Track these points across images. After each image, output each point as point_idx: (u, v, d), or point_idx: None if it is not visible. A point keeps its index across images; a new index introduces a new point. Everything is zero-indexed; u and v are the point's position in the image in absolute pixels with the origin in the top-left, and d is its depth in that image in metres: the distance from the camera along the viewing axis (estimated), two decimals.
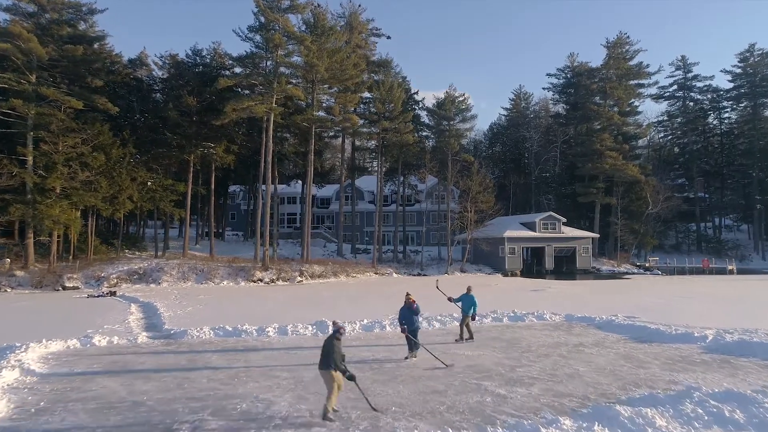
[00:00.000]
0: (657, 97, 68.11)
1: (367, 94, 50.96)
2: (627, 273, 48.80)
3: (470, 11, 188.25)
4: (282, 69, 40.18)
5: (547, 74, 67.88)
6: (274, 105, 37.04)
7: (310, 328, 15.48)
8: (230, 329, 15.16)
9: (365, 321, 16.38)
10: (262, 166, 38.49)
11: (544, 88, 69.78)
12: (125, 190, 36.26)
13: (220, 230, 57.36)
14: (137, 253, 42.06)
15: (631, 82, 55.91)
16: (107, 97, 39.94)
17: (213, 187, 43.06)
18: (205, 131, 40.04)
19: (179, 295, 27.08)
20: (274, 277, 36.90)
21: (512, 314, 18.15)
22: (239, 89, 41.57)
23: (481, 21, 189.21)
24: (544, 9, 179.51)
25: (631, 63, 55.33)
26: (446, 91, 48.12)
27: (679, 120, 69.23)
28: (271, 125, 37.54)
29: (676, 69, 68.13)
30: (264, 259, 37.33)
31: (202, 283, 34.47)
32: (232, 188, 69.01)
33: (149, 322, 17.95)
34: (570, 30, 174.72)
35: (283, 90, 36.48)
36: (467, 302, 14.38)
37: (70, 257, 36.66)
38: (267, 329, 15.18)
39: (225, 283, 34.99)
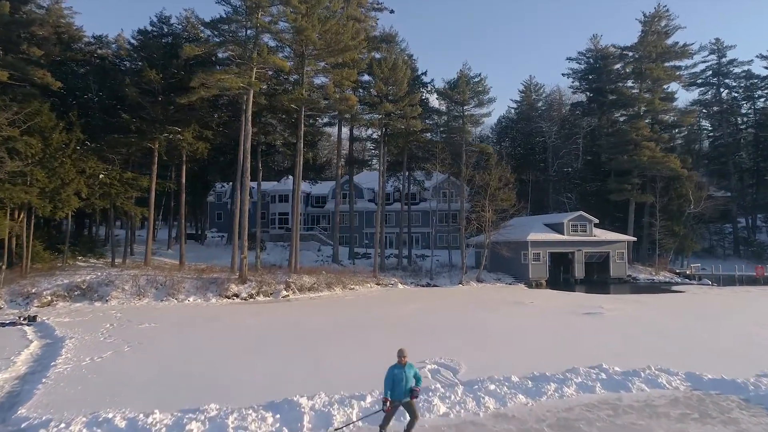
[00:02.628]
0: (689, 84, 61.19)
1: (366, 78, 44.11)
2: (670, 283, 41.96)
3: (471, 7, 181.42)
4: (266, 40, 33.41)
5: (568, 58, 60.93)
6: (253, 80, 30.13)
7: (270, 420, 8.60)
8: (122, 427, 8.28)
9: (369, 399, 9.45)
10: (240, 154, 31.61)
11: (563, 74, 63.17)
12: (70, 184, 29.31)
13: (199, 232, 50.41)
14: (93, 260, 35.15)
15: (668, 63, 48.94)
16: (60, 74, 33.30)
17: (183, 180, 36.10)
18: (172, 112, 33.15)
19: (119, 322, 20.25)
20: (254, 292, 30.02)
21: (604, 376, 11.28)
22: (216, 65, 34.60)
23: (482, 16, 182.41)
24: (548, 4, 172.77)
25: (668, 42, 48.37)
26: (460, 71, 41.23)
27: (713, 109, 62.27)
28: (251, 104, 30.67)
29: (710, 53, 61.30)
30: (242, 269, 30.44)
31: (161, 300, 27.59)
32: (219, 185, 62.08)
33: (13, 391, 11.04)
34: (586, 17, 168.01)
35: (264, 61, 29.58)
36: (399, 382, 7.80)
37: (3, 266, 29.73)
38: (188, 425, 8.30)
39: (191, 299, 28.11)
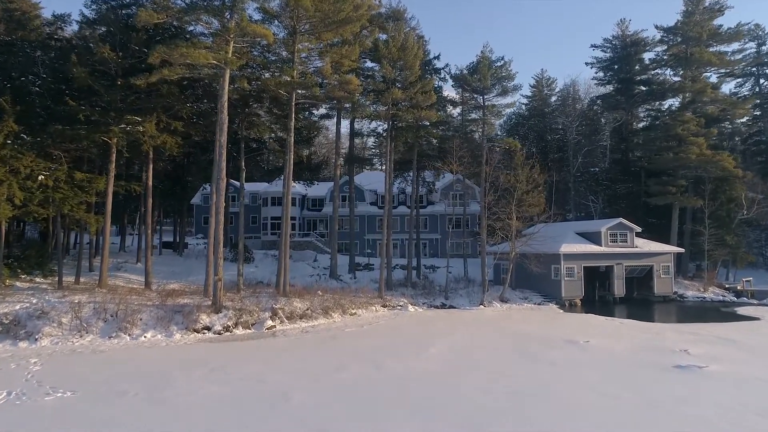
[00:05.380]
0: (725, 75, 55.09)
1: (369, 64, 38.01)
2: (726, 302, 36.01)
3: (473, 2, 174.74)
4: (249, 11, 27.31)
5: (592, 46, 55.12)
6: (230, 56, 23.98)
7: None
8: None
9: None
10: (216, 150, 25.46)
11: (586, 64, 56.72)
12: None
13: (178, 240, 44.25)
14: (38, 280, 28.93)
15: (713, 48, 42.77)
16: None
17: (150, 182, 29.92)
18: (133, 99, 27.01)
19: (24, 387, 14.13)
20: (230, 323, 23.87)
21: None
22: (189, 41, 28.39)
23: (487, 6, 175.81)
24: None
25: (714, 23, 42.21)
26: (481, 53, 35.05)
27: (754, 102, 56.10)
28: (227, 88, 24.53)
29: (749, 40, 55.12)
30: (216, 294, 24.27)
31: (109, 337, 21.46)
32: (205, 186, 55.82)
33: None
34: (599, 5, 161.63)
35: (243, 31, 23.40)
36: None
37: None
38: None
39: (149, 335, 21.97)
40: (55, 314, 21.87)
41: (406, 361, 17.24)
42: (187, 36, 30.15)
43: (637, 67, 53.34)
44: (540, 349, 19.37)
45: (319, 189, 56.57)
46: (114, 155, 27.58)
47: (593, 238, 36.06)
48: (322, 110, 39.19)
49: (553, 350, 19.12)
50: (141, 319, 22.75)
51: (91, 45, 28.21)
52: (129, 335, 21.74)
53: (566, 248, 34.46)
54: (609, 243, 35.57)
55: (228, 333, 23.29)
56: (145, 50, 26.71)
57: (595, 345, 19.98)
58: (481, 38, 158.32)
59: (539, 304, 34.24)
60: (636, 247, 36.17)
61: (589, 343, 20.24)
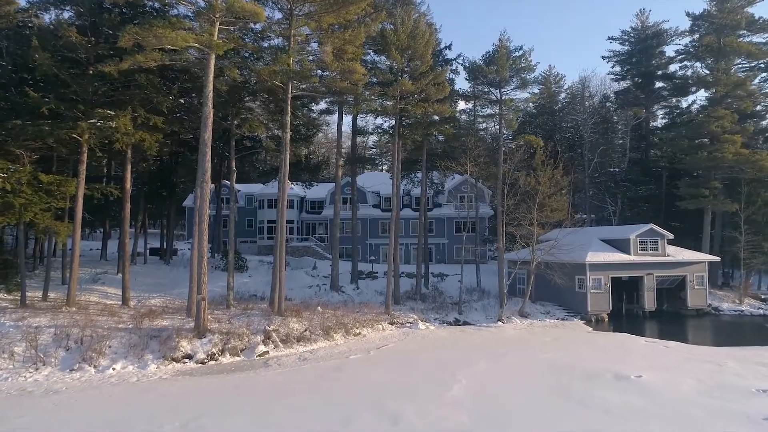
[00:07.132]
0: (749, 69, 51.77)
1: (374, 57, 34.57)
2: (765, 315, 32.71)
3: None
4: None
5: (609, 38, 51.55)
6: (216, 39, 20.63)
7: None
8: None
9: None
10: (201, 146, 22.09)
11: (603, 58, 53.37)
12: None
13: (165, 246, 40.80)
14: (1, 296, 25.47)
15: (749, 38, 39.43)
16: None
17: (128, 185, 26.48)
18: (105, 90, 23.65)
19: None
20: (216, 350, 20.49)
21: None
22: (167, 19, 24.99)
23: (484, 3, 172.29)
24: None
25: (748, 10, 38.88)
26: (499, 41, 31.60)
27: None
28: (212, 77, 21.17)
29: None
30: (199, 317, 20.88)
31: (71, 370, 18.12)
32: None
33: None
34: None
35: (230, 8, 19.99)
36: None
37: None
38: None
39: (118, 367, 18.61)
40: (7, 342, 18.52)
41: (427, 410, 13.86)
42: (169, 18, 26.86)
43: (654, 62, 50.20)
44: (586, 387, 16.00)
45: (319, 190, 53.24)
46: (85, 154, 24.18)
47: (621, 245, 32.74)
48: (322, 105, 35.81)
49: (603, 390, 15.75)
50: (110, 347, 19.39)
51: (57, 27, 24.83)
52: (94, 367, 18.40)
53: (593, 257, 31.14)
54: (639, 251, 32.27)
55: (213, 362, 19.95)
56: (118, 34, 23.39)
57: (651, 382, 16.61)
58: (485, 33, 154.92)
59: (563, 319, 30.93)
60: (668, 255, 32.85)
61: (643, 379, 16.88)
